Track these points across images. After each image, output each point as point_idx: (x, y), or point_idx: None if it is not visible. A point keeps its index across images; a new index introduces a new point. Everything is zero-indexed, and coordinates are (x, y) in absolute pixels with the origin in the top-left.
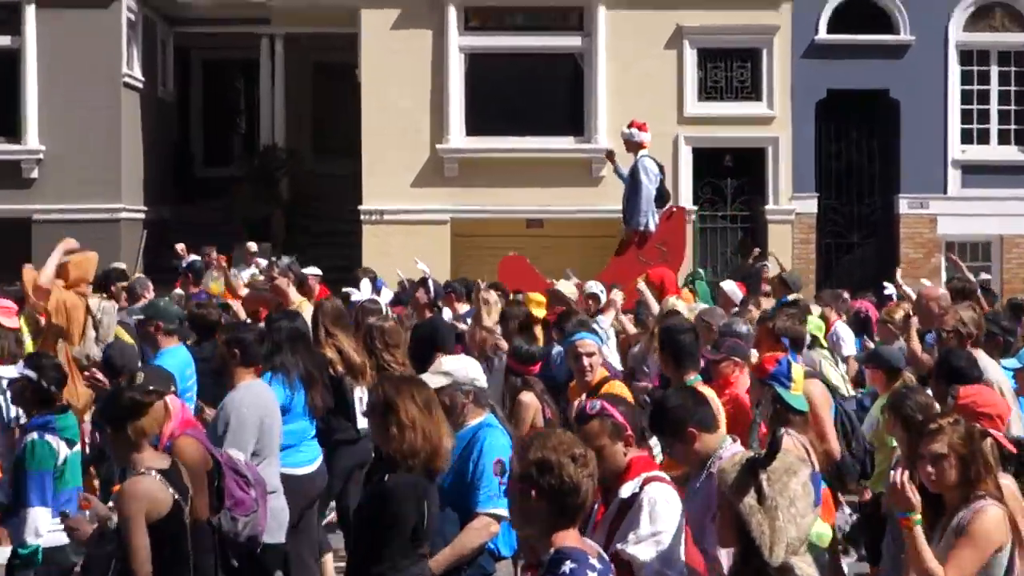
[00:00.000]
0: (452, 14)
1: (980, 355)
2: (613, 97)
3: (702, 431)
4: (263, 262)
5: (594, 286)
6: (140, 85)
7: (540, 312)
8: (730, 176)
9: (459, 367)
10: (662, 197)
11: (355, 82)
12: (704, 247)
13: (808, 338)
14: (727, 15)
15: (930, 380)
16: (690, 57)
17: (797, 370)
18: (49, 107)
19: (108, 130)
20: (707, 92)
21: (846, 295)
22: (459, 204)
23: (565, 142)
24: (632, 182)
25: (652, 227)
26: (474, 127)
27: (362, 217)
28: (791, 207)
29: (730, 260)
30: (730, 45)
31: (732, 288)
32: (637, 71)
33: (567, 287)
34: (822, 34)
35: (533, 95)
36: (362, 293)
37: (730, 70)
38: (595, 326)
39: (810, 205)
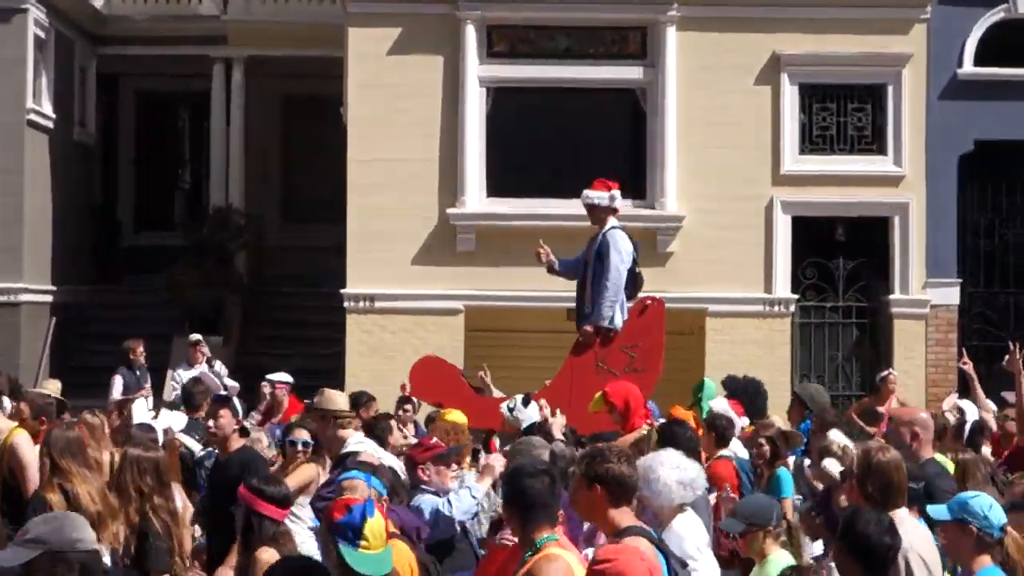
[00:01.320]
0: (470, 35)
1: None
2: (686, 148)
3: None
4: (218, 364)
5: (523, 411)
6: (50, 124)
7: (465, 438)
8: (843, 255)
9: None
10: (634, 283)
11: (339, 124)
12: (806, 350)
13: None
14: (840, 40)
15: None
16: (790, 96)
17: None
18: None
19: (6, 183)
20: (812, 142)
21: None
22: (477, 288)
23: (620, 207)
24: (597, 262)
25: (619, 323)
26: (498, 186)
27: (346, 304)
28: (925, 297)
29: (841, 368)
30: (844, 80)
31: (725, 408)
32: (718, 114)
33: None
34: (967, 67)
35: (578, 144)
36: (138, 414)
37: (844, 113)
38: (456, 489)
39: (950, 295)
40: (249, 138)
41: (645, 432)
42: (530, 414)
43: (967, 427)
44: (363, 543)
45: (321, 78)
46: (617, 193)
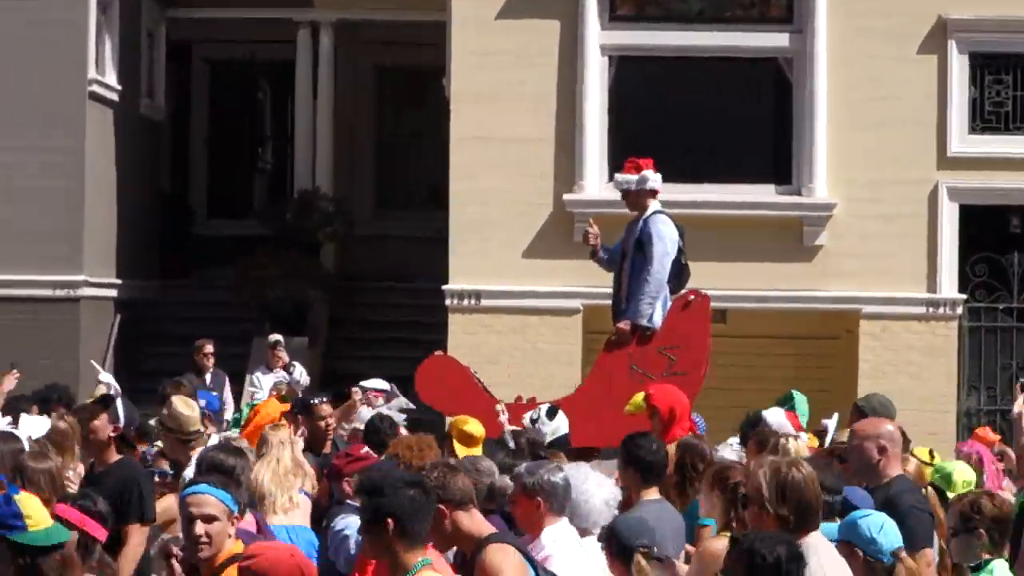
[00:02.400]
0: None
1: None
2: (837, 126)
3: None
4: (299, 369)
5: (547, 423)
6: (115, 96)
7: (476, 450)
8: (1018, 249)
9: None
10: (679, 276)
11: (440, 98)
12: (974, 358)
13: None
14: (1018, 3)
15: None
16: (958, 66)
17: None
18: None
19: (65, 166)
20: (984, 120)
21: None
22: (597, 285)
23: (763, 194)
24: (637, 253)
25: (657, 321)
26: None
27: (447, 302)
28: None
29: (1016, 379)
30: (1021, 48)
31: (780, 420)
32: (875, 87)
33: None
34: None
35: (712, 122)
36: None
37: (1020, 87)
38: None
39: None
40: (338, 114)
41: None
42: (556, 426)
43: None
44: (29, 521)
45: (420, 46)
46: (650, 173)
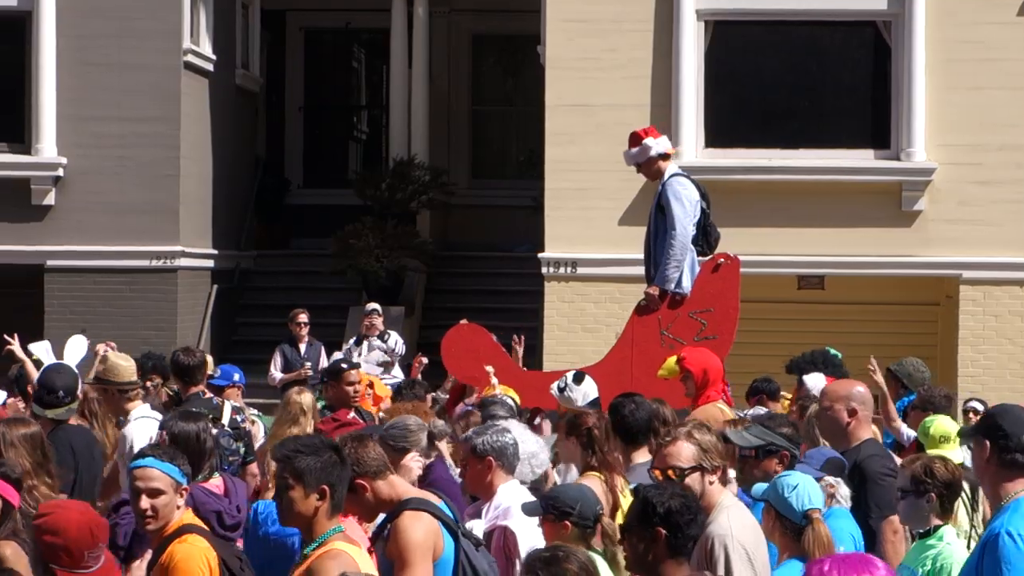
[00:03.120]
0: None
1: None
2: (937, 88)
3: None
4: (394, 337)
5: (575, 389)
6: (210, 67)
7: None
8: None
9: None
10: (707, 237)
11: (535, 66)
12: None
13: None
14: None
15: None
16: None
17: None
18: (72, 100)
19: (161, 136)
20: None
21: None
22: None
23: (860, 158)
24: (659, 216)
25: (687, 286)
26: (717, 135)
27: (544, 270)
28: None
29: None
30: None
31: (818, 384)
32: (973, 49)
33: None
34: None
35: (810, 86)
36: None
37: None
38: None
39: None
40: (433, 82)
41: (721, 409)
42: (585, 391)
43: None
44: None
45: (516, 13)
46: (652, 138)
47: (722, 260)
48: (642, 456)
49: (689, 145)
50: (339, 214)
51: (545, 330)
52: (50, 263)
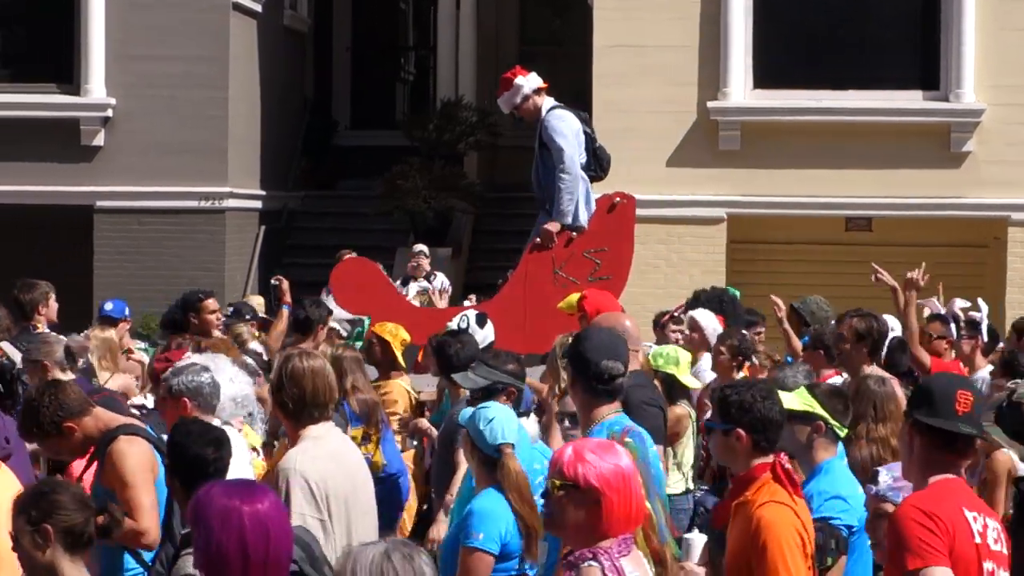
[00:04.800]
0: None
1: None
2: (986, 28)
3: None
4: (440, 278)
5: (478, 331)
6: (258, 7)
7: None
8: None
9: None
10: (598, 161)
11: (582, 6)
12: None
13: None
14: None
15: None
16: None
17: None
18: (120, 42)
19: (209, 77)
20: None
21: None
22: (742, 194)
23: (909, 99)
24: (544, 151)
25: (584, 218)
26: (766, 76)
27: None
28: None
29: None
30: None
31: (709, 320)
32: None
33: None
34: None
35: (858, 26)
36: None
37: None
38: None
39: None
40: (481, 23)
41: None
42: (485, 334)
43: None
44: None
45: None
46: (522, 78)
47: (618, 199)
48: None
49: (737, 86)
50: (386, 155)
51: None
52: (99, 204)
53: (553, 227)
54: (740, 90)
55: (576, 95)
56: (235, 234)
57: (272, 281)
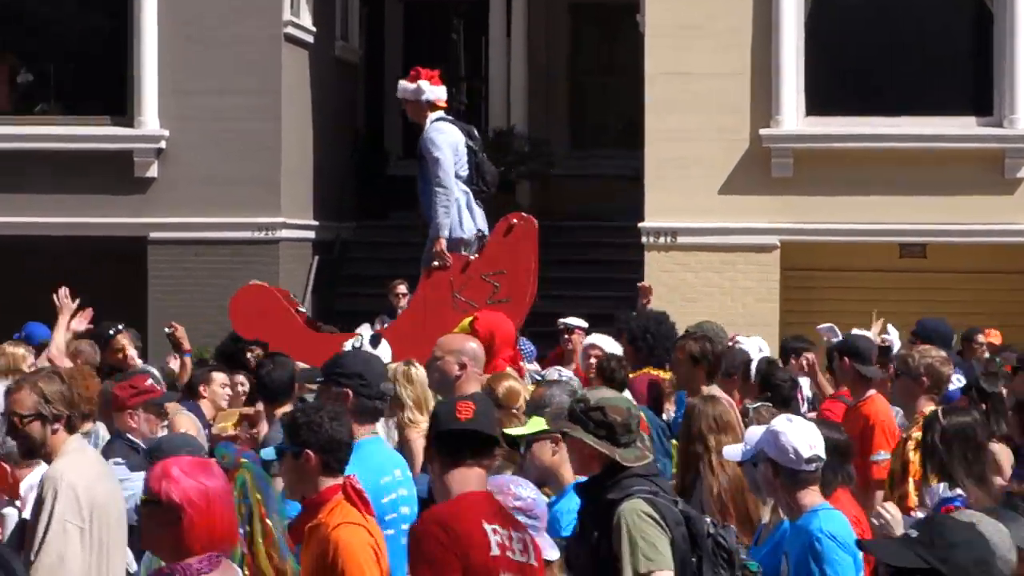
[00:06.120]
0: None
1: None
2: None
3: None
4: None
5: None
6: (310, 38)
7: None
8: None
9: None
10: (482, 175)
11: (634, 34)
12: None
13: None
14: None
15: None
16: None
17: None
18: (173, 74)
19: (262, 108)
20: None
21: None
22: (795, 220)
23: (962, 125)
24: (422, 164)
25: (470, 227)
26: (818, 102)
27: (644, 240)
28: None
29: None
30: None
31: (609, 345)
32: None
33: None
34: None
35: (911, 53)
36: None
37: None
38: None
39: None
40: (532, 52)
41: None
42: (380, 355)
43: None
44: None
45: None
46: (427, 84)
47: (515, 221)
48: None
49: (790, 113)
50: None
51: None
52: (153, 235)
53: (438, 244)
54: (792, 117)
55: (628, 123)
56: (289, 264)
57: (166, 330)
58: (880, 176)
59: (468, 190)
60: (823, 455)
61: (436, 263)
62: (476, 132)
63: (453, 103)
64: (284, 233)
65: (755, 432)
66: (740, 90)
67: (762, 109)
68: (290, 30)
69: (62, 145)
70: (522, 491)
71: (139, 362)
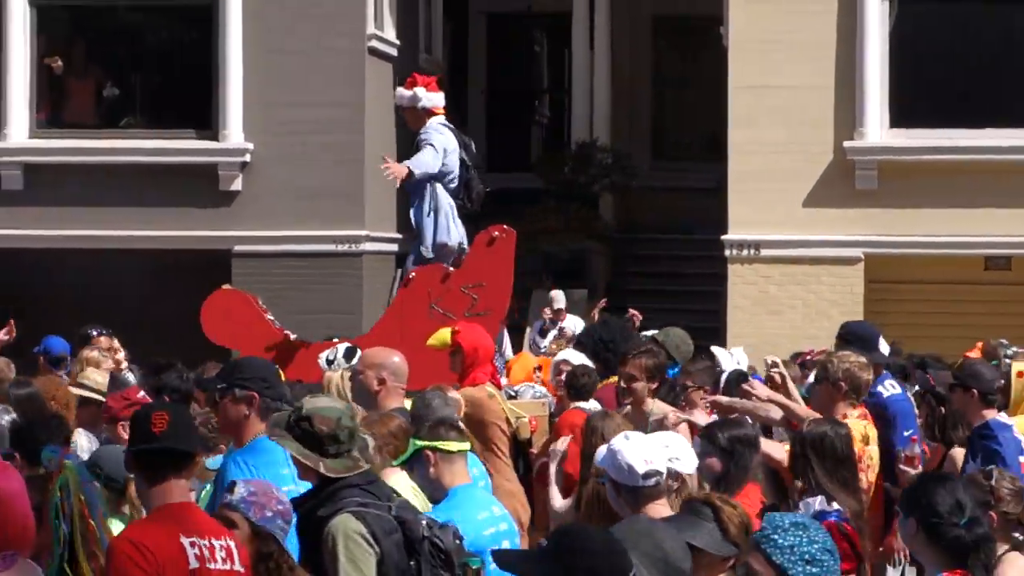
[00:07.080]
0: None
1: None
2: None
3: None
4: (574, 321)
5: (344, 365)
6: (394, 52)
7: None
8: None
9: None
10: (468, 192)
11: (717, 48)
12: None
13: None
14: None
15: None
16: None
17: None
18: (258, 87)
19: (345, 121)
20: None
21: None
22: (879, 233)
23: None
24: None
25: (456, 236)
26: (903, 115)
27: (727, 253)
28: None
29: None
30: None
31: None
32: None
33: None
34: None
35: (995, 65)
36: None
37: None
38: None
39: None
40: (615, 65)
41: (490, 392)
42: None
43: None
44: None
45: None
46: (423, 91)
47: (496, 233)
48: None
49: (874, 126)
50: (520, 197)
51: (728, 313)
52: (237, 248)
53: (401, 171)
54: (876, 129)
55: (710, 136)
56: (372, 277)
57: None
58: (964, 188)
59: (453, 203)
60: (662, 469)
61: (415, 276)
62: (473, 147)
63: (537, 116)
64: (367, 246)
65: (601, 451)
66: (824, 102)
67: (846, 121)
68: (374, 43)
69: (147, 159)
70: (284, 497)
71: (126, 367)
